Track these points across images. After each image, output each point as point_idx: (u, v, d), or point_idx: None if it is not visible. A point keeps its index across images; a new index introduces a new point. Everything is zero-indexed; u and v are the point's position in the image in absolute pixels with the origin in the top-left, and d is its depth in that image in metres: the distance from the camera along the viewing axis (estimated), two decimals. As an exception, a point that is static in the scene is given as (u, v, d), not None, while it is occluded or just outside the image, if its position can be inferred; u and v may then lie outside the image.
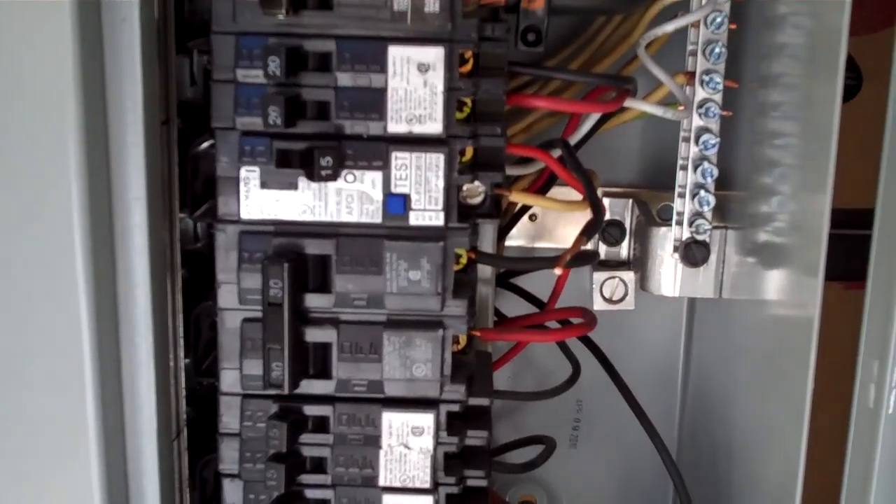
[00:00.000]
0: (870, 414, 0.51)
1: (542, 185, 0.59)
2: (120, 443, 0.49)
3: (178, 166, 0.51)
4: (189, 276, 0.53)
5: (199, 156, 0.53)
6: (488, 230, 0.55)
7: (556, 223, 0.71)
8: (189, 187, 0.52)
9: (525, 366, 0.74)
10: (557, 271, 0.48)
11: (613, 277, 0.68)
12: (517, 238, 0.71)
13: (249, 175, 0.48)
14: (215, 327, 0.50)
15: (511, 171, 0.57)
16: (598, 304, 0.69)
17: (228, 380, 0.50)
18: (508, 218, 0.64)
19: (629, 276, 0.68)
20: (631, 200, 0.69)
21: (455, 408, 0.51)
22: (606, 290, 0.69)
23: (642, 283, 0.66)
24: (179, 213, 0.52)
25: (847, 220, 0.55)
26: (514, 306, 0.67)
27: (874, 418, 0.50)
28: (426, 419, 0.50)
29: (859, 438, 0.52)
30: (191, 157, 0.52)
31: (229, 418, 0.51)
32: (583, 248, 0.50)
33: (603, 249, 0.70)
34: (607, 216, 0.69)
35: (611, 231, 0.69)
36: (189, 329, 0.54)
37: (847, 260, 0.54)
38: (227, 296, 0.49)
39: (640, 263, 0.67)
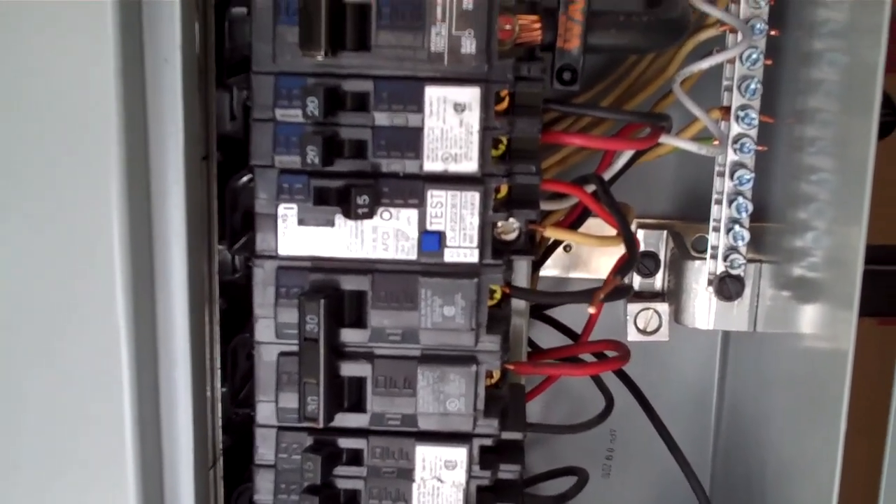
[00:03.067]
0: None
1: (575, 219, 0.59)
2: (157, 472, 0.50)
3: (216, 200, 0.52)
4: (227, 306, 0.54)
5: (237, 190, 0.53)
6: (522, 264, 0.55)
7: (590, 254, 0.71)
8: (228, 220, 0.53)
9: (558, 394, 0.74)
10: (591, 310, 0.48)
11: (648, 309, 0.69)
12: (552, 268, 0.71)
13: (287, 212, 0.49)
14: (252, 358, 0.51)
15: (545, 206, 0.57)
16: (632, 335, 0.69)
17: (264, 412, 0.51)
18: (543, 249, 0.64)
19: (663, 307, 0.68)
20: (665, 232, 0.70)
21: (488, 442, 0.51)
22: (640, 322, 0.69)
23: (676, 316, 0.66)
24: (218, 244, 0.53)
25: (882, 256, 0.55)
26: (548, 335, 0.67)
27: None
28: (459, 453, 0.51)
29: (894, 474, 0.52)
30: (230, 191, 0.53)
31: (265, 450, 0.52)
32: (619, 282, 0.51)
33: (637, 280, 0.70)
34: (642, 247, 0.69)
35: (645, 263, 0.69)
36: (226, 359, 0.54)
37: (881, 296, 0.54)
38: (263, 330, 0.50)
39: (674, 296, 0.67)
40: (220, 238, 0.53)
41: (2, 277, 0.47)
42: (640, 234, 0.69)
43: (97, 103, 0.45)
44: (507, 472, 0.52)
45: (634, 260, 0.51)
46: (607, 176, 0.57)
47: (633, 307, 0.69)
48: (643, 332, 0.69)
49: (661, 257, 0.70)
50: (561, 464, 0.67)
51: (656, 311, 0.68)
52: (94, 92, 0.44)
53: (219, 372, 0.53)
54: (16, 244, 0.47)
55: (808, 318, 0.58)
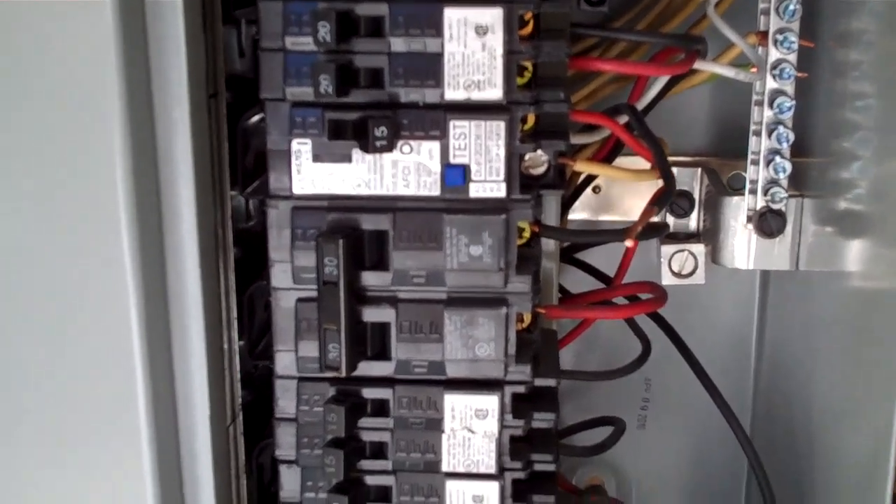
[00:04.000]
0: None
1: (607, 153, 0.56)
2: (172, 428, 0.48)
3: (227, 141, 0.49)
4: (242, 255, 0.51)
5: (249, 130, 0.51)
6: (552, 202, 0.52)
7: (621, 195, 0.68)
8: (240, 163, 0.50)
9: (590, 344, 0.71)
10: (628, 243, 0.45)
11: (682, 251, 0.65)
12: (580, 211, 0.68)
13: (301, 148, 0.46)
14: (269, 307, 0.49)
15: (574, 139, 0.54)
16: (667, 279, 0.66)
17: (284, 362, 0.49)
18: (572, 189, 0.61)
19: (699, 248, 0.65)
20: (700, 169, 0.66)
21: (520, 389, 0.49)
22: (675, 264, 0.66)
23: (714, 256, 0.63)
24: (231, 190, 0.50)
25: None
26: (579, 283, 0.64)
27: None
28: (490, 401, 0.48)
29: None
30: (240, 132, 0.50)
31: (285, 402, 0.49)
32: (653, 219, 0.48)
33: (671, 221, 0.67)
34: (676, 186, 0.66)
35: (679, 202, 0.66)
36: (243, 310, 0.52)
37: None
38: (280, 275, 0.47)
39: (710, 235, 0.64)
40: (233, 183, 0.50)
41: (7, 231, 0.45)
42: (674, 172, 0.66)
43: (95, 38, 0.42)
44: (542, 420, 0.49)
45: (672, 191, 0.48)
46: (639, 106, 0.54)
47: (666, 249, 0.65)
48: (678, 274, 0.66)
49: (696, 196, 0.66)
50: (595, 415, 0.64)
51: (691, 253, 0.65)
52: (92, 26, 0.41)
53: (235, 324, 0.51)
54: (17, 191, 0.44)
55: (855, 254, 0.55)
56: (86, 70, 0.42)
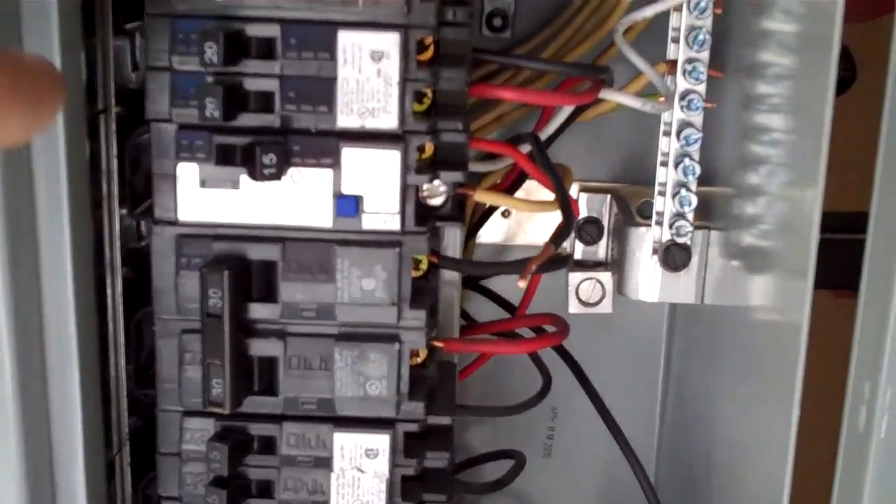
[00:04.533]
0: (860, 438, 0.47)
1: (512, 182, 0.55)
2: (47, 460, 0.45)
3: (117, 159, 0.47)
4: (134, 276, 0.49)
5: (140, 147, 0.48)
6: (454, 230, 0.51)
7: (531, 220, 0.67)
8: (129, 182, 0.48)
9: (500, 368, 0.70)
10: (521, 284, 0.44)
11: (590, 279, 0.64)
12: (490, 236, 0.67)
13: (187, 172, 0.44)
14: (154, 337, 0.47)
15: (478, 167, 0.53)
16: (574, 307, 0.65)
17: (167, 396, 0.47)
18: (479, 215, 0.60)
19: (606, 277, 0.64)
20: (609, 196, 0.65)
21: (413, 427, 0.47)
22: (583, 292, 0.65)
23: (619, 287, 0.62)
24: (120, 208, 0.48)
25: (840, 223, 0.51)
26: (488, 306, 0.63)
27: (865, 443, 0.47)
28: (381, 441, 0.46)
29: (849, 464, 0.48)
30: (129, 149, 0.48)
31: (169, 437, 0.47)
32: (557, 251, 0.47)
33: (579, 248, 0.66)
34: (584, 213, 0.65)
35: (587, 229, 0.65)
36: (130, 335, 0.49)
37: (838, 267, 0.50)
38: (164, 304, 0.45)
39: (617, 265, 0.63)
40: (122, 202, 0.48)
41: None
42: (583, 199, 0.65)
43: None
44: (435, 459, 0.48)
45: (571, 227, 0.46)
46: (545, 135, 0.53)
47: (574, 277, 0.64)
48: (585, 303, 0.65)
49: (605, 223, 0.65)
50: (501, 443, 0.64)
51: (599, 281, 0.64)
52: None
53: (122, 349, 0.49)
54: None
55: (760, 288, 0.54)
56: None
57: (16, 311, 0.42)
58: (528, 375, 0.58)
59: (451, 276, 0.51)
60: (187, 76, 0.43)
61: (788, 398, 0.48)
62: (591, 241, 0.65)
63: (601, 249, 0.66)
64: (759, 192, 0.54)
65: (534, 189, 0.56)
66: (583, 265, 0.65)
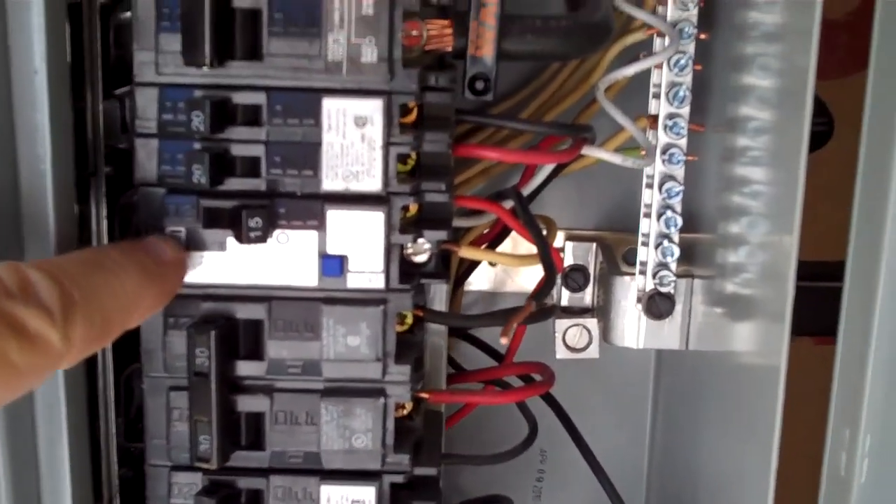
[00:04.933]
0: (842, 482, 0.48)
1: (497, 235, 0.56)
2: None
3: (107, 220, 0.48)
4: (126, 334, 0.50)
5: (130, 207, 0.49)
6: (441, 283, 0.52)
7: (518, 268, 0.68)
8: (120, 240, 0.49)
9: (487, 414, 0.71)
10: (504, 341, 0.45)
11: (577, 325, 0.65)
12: (479, 283, 0.68)
13: (175, 236, 0.45)
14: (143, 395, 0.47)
15: (463, 222, 0.54)
16: (561, 353, 0.65)
17: (156, 451, 0.47)
18: (466, 265, 0.61)
19: (593, 323, 0.65)
20: (595, 244, 0.66)
21: (399, 479, 0.48)
22: (570, 339, 0.66)
23: (605, 334, 0.63)
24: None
25: (819, 272, 0.52)
26: (477, 353, 0.64)
27: (846, 487, 0.47)
28: (367, 492, 0.47)
29: (832, 495, 0.49)
30: (120, 209, 0.49)
31: (158, 491, 0.48)
32: (536, 309, 0.48)
33: (566, 295, 0.67)
34: (570, 260, 0.66)
35: (574, 276, 0.66)
36: (120, 390, 0.50)
37: (816, 314, 0.51)
38: (152, 362, 0.46)
39: (603, 312, 0.64)
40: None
41: None
42: (569, 247, 0.66)
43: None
44: (422, 509, 0.49)
45: (552, 283, 0.47)
46: (529, 189, 0.54)
47: (561, 323, 0.65)
48: (572, 349, 0.65)
49: (591, 271, 0.66)
50: (491, 485, 0.64)
51: (586, 328, 0.65)
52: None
53: (112, 403, 0.50)
54: None
55: (741, 335, 0.55)
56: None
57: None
58: (516, 420, 0.58)
59: (438, 326, 0.53)
60: (175, 143, 0.44)
61: (768, 440, 0.49)
62: (577, 287, 0.66)
63: (587, 296, 0.67)
64: (741, 242, 0.55)
65: (521, 239, 0.57)
66: (570, 311, 0.66)
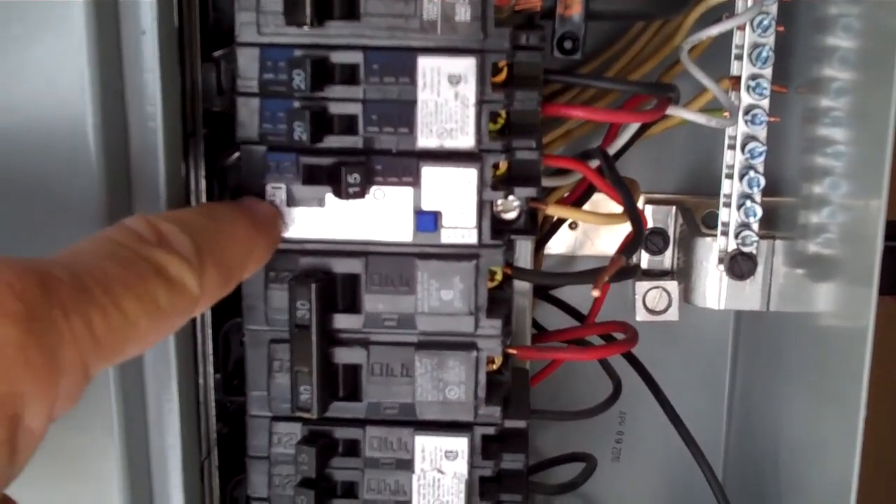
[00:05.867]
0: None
1: (580, 195, 0.57)
2: (145, 462, 0.48)
3: (205, 179, 0.50)
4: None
5: (228, 168, 0.51)
6: (525, 242, 0.53)
7: (597, 232, 0.69)
8: (218, 200, 0.51)
9: (569, 375, 0.72)
10: (595, 293, 0.46)
11: (657, 287, 0.66)
12: (558, 247, 0.69)
13: (275, 192, 0.46)
14: (244, 344, 0.49)
15: (548, 182, 0.55)
16: (641, 315, 0.66)
17: (256, 402, 0.49)
18: (547, 227, 0.62)
19: (673, 286, 0.66)
20: (675, 208, 0.67)
21: (490, 431, 0.49)
22: (649, 301, 0.66)
23: (686, 296, 0.64)
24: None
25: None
26: (556, 316, 0.65)
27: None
28: (460, 443, 0.49)
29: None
30: (219, 170, 0.51)
31: (258, 441, 0.49)
32: (624, 263, 0.48)
33: (646, 258, 0.67)
34: (650, 224, 0.67)
35: (653, 240, 0.67)
36: (218, 345, 0.52)
37: (901, 273, 0.52)
38: (253, 316, 0.48)
39: (684, 274, 0.65)
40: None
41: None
42: (649, 210, 0.67)
43: (72, 73, 0.42)
44: (511, 461, 0.50)
45: (640, 239, 0.48)
46: (613, 150, 0.55)
47: (641, 286, 0.66)
48: (652, 311, 0.66)
49: (671, 234, 0.67)
50: (570, 447, 0.65)
51: (665, 290, 0.66)
52: (69, 62, 0.42)
53: (211, 358, 0.51)
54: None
55: (825, 296, 0.56)
56: (63, 110, 0.42)
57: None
58: (595, 383, 0.59)
59: (522, 286, 0.54)
60: (276, 101, 0.45)
61: (855, 403, 0.50)
62: (657, 251, 0.67)
63: (667, 259, 0.67)
64: (824, 202, 0.56)
65: (600, 201, 0.58)
66: (649, 274, 0.67)
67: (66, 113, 0.42)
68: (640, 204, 0.66)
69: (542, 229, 0.61)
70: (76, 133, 0.42)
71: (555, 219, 0.62)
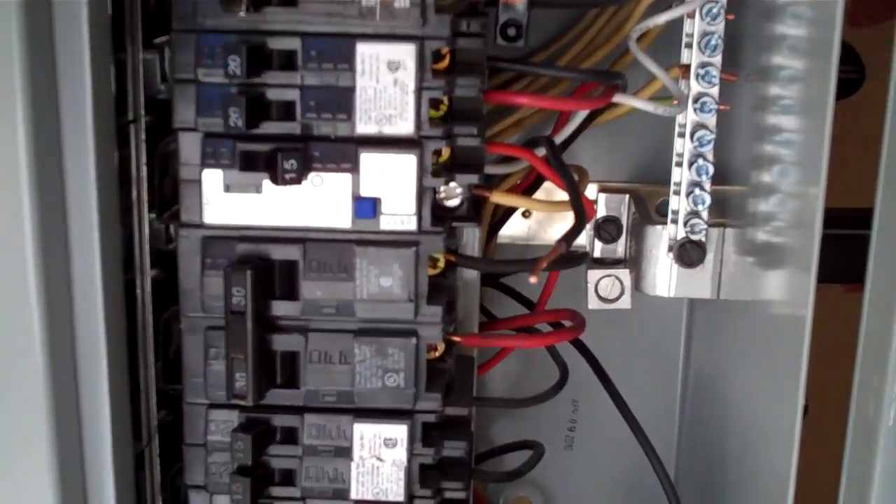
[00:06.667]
0: (869, 426, 0.48)
1: (531, 183, 0.57)
2: (78, 454, 0.47)
3: (146, 166, 0.49)
4: (164, 277, 0.51)
5: (168, 154, 0.51)
6: (474, 231, 0.52)
7: (551, 220, 0.69)
8: (158, 187, 0.50)
9: (526, 359, 0.72)
10: (533, 279, 0.46)
11: (609, 276, 0.66)
12: (512, 234, 0.69)
13: (212, 178, 0.46)
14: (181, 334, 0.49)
15: (497, 169, 0.55)
16: (593, 303, 0.66)
17: (193, 389, 0.49)
18: (499, 215, 0.62)
19: (625, 274, 0.66)
20: (628, 196, 0.67)
21: (431, 418, 0.49)
22: (602, 289, 0.66)
23: (637, 283, 0.64)
24: (149, 213, 0.50)
25: (849, 219, 0.53)
26: (509, 304, 0.65)
27: (873, 431, 0.48)
28: (399, 431, 0.48)
29: (857, 451, 0.49)
30: (159, 156, 0.50)
31: (195, 428, 0.49)
32: (571, 249, 0.48)
33: (599, 246, 0.67)
34: (603, 212, 0.66)
35: (607, 228, 0.66)
36: (159, 333, 0.52)
37: (845, 261, 0.52)
38: (190, 303, 0.48)
39: (635, 262, 0.64)
40: (151, 207, 0.50)
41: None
42: (602, 199, 0.67)
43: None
44: (453, 449, 0.50)
45: (582, 226, 0.48)
46: (561, 138, 0.55)
47: (593, 274, 0.66)
48: (604, 299, 0.66)
49: (624, 222, 0.67)
50: (523, 435, 0.65)
51: (618, 278, 0.66)
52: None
53: (151, 345, 0.51)
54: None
55: (771, 283, 0.56)
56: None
57: (47, 310, 0.44)
58: (547, 373, 0.59)
59: (470, 274, 0.53)
60: (212, 88, 0.45)
61: (794, 388, 0.50)
62: (610, 239, 0.67)
63: (620, 247, 0.67)
64: (772, 191, 0.56)
65: (553, 189, 0.58)
66: (602, 262, 0.67)
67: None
68: (591, 192, 0.66)
69: (495, 217, 0.61)
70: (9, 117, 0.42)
71: (506, 207, 0.62)
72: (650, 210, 0.65)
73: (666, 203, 0.64)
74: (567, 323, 0.56)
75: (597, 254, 0.67)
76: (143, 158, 0.49)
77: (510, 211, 0.63)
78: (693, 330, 0.72)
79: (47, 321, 0.44)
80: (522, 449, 0.62)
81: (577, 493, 0.76)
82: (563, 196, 0.51)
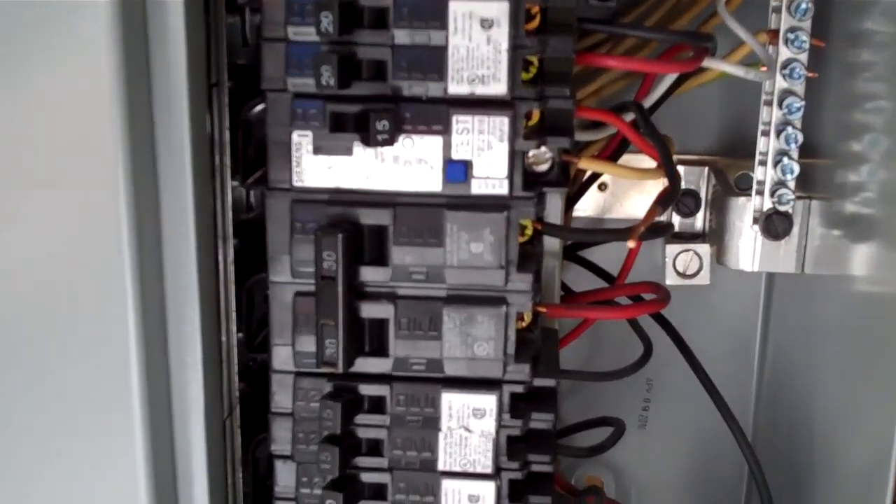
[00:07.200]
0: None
1: (613, 151, 0.55)
2: (167, 421, 0.47)
3: (229, 131, 0.48)
4: (242, 246, 0.51)
5: (251, 120, 0.50)
6: (556, 200, 0.51)
7: (626, 193, 0.67)
8: (241, 153, 0.50)
9: (596, 341, 0.71)
10: (631, 244, 0.45)
11: (687, 250, 0.65)
12: (585, 209, 0.68)
13: (302, 140, 0.45)
14: (268, 299, 0.48)
15: (580, 136, 0.54)
16: (671, 279, 0.65)
17: (280, 357, 0.48)
18: (577, 187, 0.61)
19: (704, 249, 0.64)
20: (707, 169, 0.65)
21: (519, 389, 0.48)
22: (680, 264, 0.65)
23: (719, 257, 0.62)
24: (231, 180, 0.49)
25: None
26: (582, 280, 0.63)
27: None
28: (488, 401, 0.47)
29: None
30: (242, 122, 0.49)
31: (282, 397, 0.48)
32: (657, 219, 0.47)
33: (676, 221, 0.66)
34: (682, 185, 0.65)
35: (685, 201, 0.65)
36: (241, 302, 0.51)
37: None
38: (279, 268, 0.47)
39: (716, 236, 0.63)
40: (234, 173, 0.49)
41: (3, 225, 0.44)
42: (680, 171, 0.65)
43: (95, 31, 0.41)
44: (540, 420, 0.49)
45: (677, 191, 0.47)
46: (646, 104, 0.54)
47: (671, 249, 0.65)
48: (682, 275, 0.65)
49: (702, 195, 0.65)
50: (596, 414, 0.64)
51: (696, 253, 0.65)
52: (92, 19, 0.41)
53: (234, 316, 0.50)
54: (15, 184, 0.43)
55: (862, 258, 0.54)
56: (84, 59, 0.41)
57: (141, 280, 0.44)
58: (623, 351, 0.58)
59: (551, 245, 0.52)
60: (302, 47, 0.44)
61: (892, 368, 0.48)
62: (688, 213, 0.65)
63: (698, 221, 0.66)
64: (862, 161, 0.54)
65: (630, 161, 0.57)
66: (680, 237, 0.66)
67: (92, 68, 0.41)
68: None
69: (572, 189, 0.60)
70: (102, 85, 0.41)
71: (585, 178, 0.61)
72: (731, 182, 0.64)
73: (745, 177, 0.63)
74: (649, 296, 0.55)
75: (675, 228, 0.66)
76: (227, 123, 0.48)
77: (588, 183, 0.62)
78: (772, 306, 0.71)
79: (140, 289, 0.44)
80: (602, 426, 0.61)
81: (650, 473, 0.74)
82: (646, 165, 0.50)
